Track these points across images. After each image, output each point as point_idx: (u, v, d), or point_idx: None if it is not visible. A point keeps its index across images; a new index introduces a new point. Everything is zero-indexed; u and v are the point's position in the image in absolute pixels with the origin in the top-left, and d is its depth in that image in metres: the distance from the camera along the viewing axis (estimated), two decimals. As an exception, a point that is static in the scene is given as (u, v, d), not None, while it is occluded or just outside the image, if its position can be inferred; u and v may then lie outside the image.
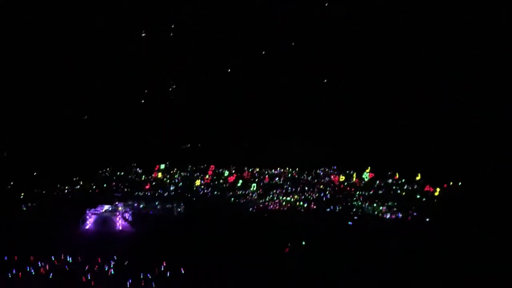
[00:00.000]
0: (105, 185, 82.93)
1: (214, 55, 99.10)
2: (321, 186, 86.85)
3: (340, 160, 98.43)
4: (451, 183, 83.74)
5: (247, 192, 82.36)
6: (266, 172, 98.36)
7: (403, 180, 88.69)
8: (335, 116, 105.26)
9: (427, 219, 65.32)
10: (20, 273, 39.88)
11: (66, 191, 78.27)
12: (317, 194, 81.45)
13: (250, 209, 72.34)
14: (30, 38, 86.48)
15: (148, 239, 54.59)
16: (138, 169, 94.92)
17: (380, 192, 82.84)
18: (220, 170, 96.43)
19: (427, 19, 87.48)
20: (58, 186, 78.87)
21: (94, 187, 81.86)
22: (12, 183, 76.00)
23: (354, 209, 72.38)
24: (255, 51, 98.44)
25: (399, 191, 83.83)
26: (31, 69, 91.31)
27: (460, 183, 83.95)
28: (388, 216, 69.09)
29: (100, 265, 42.36)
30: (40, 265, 42.04)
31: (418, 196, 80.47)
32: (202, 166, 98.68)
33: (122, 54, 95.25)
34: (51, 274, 40.70)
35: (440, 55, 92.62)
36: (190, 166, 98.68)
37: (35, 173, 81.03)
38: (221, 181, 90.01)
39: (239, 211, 71.20)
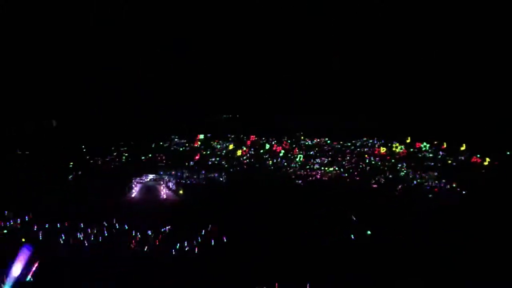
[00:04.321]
0: (150, 155, 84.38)
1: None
2: (365, 156, 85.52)
3: (383, 131, 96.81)
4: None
5: (289, 163, 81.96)
6: (306, 142, 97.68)
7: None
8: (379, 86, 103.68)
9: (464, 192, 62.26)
10: (70, 239, 41.59)
11: (113, 161, 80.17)
12: (360, 165, 79.96)
13: (299, 181, 71.55)
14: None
15: (191, 207, 55.46)
16: (178, 139, 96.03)
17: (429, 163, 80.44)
18: (262, 140, 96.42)
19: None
20: (105, 156, 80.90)
21: (141, 157, 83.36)
22: (61, 152, 78.51)
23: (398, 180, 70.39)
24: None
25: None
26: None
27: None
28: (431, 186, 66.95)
29: (146, 232, 43.54)
30: (89, 231, 43.67)
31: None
32: (242, 136, 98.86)
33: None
34: (100, 239, 42.29)
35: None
36: (231, 136, 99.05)
37: (83, 146, 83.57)
38: (261, 151, 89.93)
39: (282, 182, 70.70)
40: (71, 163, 73.51)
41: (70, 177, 68.58)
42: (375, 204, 56.98)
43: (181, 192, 62.18)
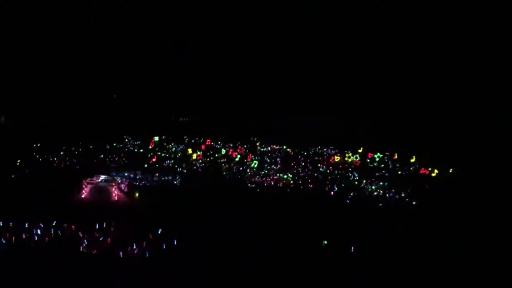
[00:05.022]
0: (102, 156, 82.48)
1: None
2: (318, 165, 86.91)
3: (339, 139, 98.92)
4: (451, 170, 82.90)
5: (245, 168, 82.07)
6: (261, 148, 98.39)
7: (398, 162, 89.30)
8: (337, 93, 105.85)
9: (414, 203, 64.82)
10: (13, 238, 40.02)
11: (62, 160, 77.75)
12: (315, 174, 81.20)
13: (253, 185, 71.91)
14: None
15: (144, 210, 54.63)
16: (133, 140, 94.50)
17: (378, 174, 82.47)
18: (217, 144, 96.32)
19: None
20: (54, 155, 78.37)
21: (91, 157, 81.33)
22: (8, 149, 75.59)
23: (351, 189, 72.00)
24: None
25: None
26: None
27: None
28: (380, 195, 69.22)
29: (95, 234, 42.45)
30: (34, 231, 42.08)
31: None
32: (198, 140, 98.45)
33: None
34: (46, 240, 40.85)
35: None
36: (186, 139, 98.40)
37: (34, 144, 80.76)
38: (216, 155, 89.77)
39: (237, 186, 70.78)
40: (18, 161, 70.81)
41: (16, 175, 65.94)
42: (329, 212, 58.02)
43: (136, 195, 60.91)
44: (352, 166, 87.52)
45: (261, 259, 38.46)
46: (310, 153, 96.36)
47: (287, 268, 37.25)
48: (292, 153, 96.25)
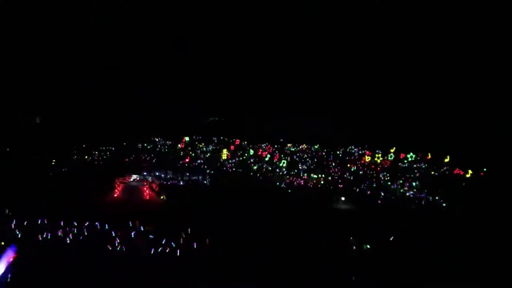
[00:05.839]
0: (133, 156, 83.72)
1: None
2: (348, 165, 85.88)
3: (369, 139, 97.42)
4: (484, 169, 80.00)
5: (274, 168, 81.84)
6: (291, 147, 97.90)
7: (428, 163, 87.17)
8: (366, 92, 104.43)
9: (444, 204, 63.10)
10: (49, 235, 40.83)
11: (95, 160, 79.31)
12: (346, 174, 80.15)
13: (282, 184, 71.80)
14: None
15: (175, 209, 54.96)
16: (163, 140, 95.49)
17: (412, 175, 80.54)
18: (245, 144, 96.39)
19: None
20: (87, 155, 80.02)
21: (122, 157, 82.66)
22: (43, 149, 77.48)
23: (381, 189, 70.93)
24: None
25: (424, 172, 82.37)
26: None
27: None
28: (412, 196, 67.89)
29: (127, 233, 42.91)
30: (68, 230, 42.83)
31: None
32: (227, 140, 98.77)
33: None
34: (81, 238, 41.53)
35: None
36: (215, 139, 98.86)
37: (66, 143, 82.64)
38: (245, 155, 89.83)
39: (267, 186, 70.60)
40: (54, 161, 72.48)
41: (51, 174, 67.42)
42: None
43: (162, 197, 61.40)
44: (384, 166, 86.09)
45: (265, 259, 37.94)
46: (339, 153, 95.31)
47: (288, 268, 36.68)
48: (322, 153, 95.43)
